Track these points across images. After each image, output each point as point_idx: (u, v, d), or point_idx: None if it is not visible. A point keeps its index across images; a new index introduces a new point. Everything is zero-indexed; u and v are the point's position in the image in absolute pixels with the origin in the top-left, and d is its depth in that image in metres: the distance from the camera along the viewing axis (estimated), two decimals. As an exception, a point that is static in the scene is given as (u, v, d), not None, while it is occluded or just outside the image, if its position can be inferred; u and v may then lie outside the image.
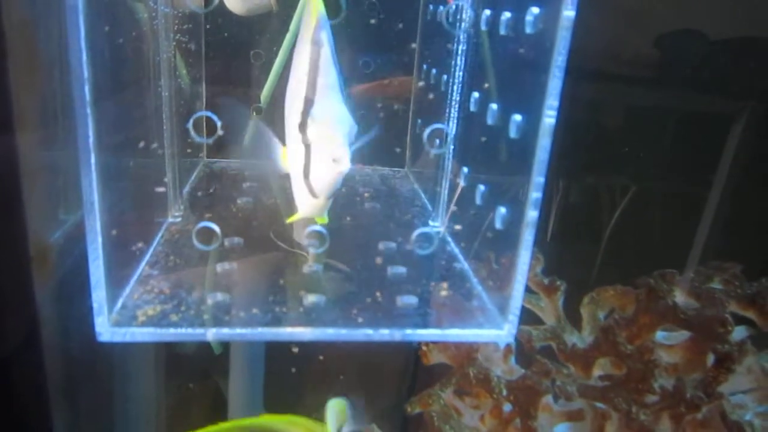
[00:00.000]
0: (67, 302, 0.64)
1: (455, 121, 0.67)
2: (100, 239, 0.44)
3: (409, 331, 0.48)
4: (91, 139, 0.41)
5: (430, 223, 0.71)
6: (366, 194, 0.78)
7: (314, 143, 0.48)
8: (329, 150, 0.47)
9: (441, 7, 0.72)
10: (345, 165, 0.47)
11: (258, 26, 0.85)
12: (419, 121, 0.83)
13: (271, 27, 0.85)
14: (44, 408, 0.74)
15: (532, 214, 0.47)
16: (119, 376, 0.92)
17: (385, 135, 0.88)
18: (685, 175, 1.14)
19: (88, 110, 0.41)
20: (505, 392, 0.81)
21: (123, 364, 0.92)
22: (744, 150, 1.09)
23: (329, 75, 0.49)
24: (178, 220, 0.66)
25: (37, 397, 0.73)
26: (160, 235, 0.62)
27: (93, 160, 0.42)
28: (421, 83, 0.82)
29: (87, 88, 0.41)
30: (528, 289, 0.91)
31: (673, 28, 1.05)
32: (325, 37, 0.50)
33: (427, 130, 0.53)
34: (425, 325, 0.49)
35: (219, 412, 1.03)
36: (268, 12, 0.82)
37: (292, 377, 1.04)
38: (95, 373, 0.85)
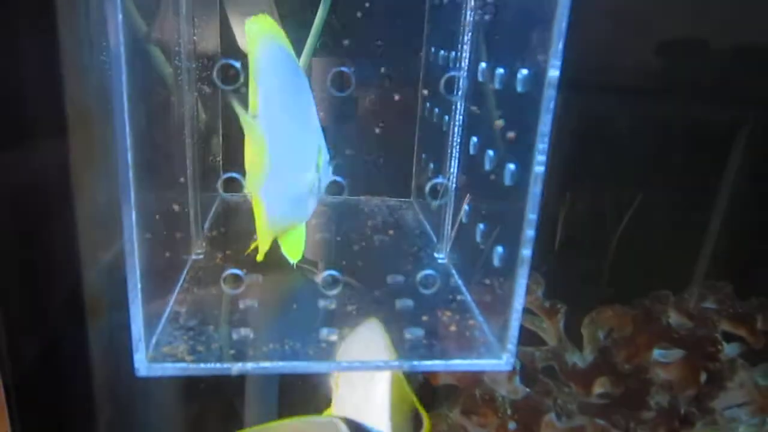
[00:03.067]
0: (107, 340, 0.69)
1: (456, 160, 0.72)
2: (138, 284, 0.49)
3: (415, 362, 0.53)
4: (132, 191, 0.47)
5: (435, 254, 0.75)
6: (374, 226, 0.83)
7: None
8: None
9: (442, 51, 0.78)
10: None
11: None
12: (423, 155, 0.88)
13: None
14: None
15: (525, 252, 0.52)
16: (138, 394, 0.97)
17: (392, 166, 0.93)
18: (688, 187, 1.17)
19: (129, 157, 0.46)
20: (510, 411, 0.85)
21: (142, 383, 0.96)
22: (748, 159, 1.11)
23: None
24: (201, 257, 0.71)
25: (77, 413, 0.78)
26: (185, 272, 0.67)
27: (133, 209, 0.47)
28: (424, 120, 0.87)
29: (128, 140, 0.45)
30: (530, 312, 0.95)
31: (675, 37, 1.08)
32: None
33: (428, 185, 0.58)
34: (430, 356, 0.54)
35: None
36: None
37: (304, 393, 1.08)
38: (118, 394, 0.89)
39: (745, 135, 1.12)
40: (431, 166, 0.82)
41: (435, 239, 0.79)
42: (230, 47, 0.82)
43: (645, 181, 1.17)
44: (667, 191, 1.18)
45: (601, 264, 1.20)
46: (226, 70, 0.57)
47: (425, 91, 0.86)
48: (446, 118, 0.74)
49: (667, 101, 1.12)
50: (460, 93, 0.69)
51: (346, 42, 0.85)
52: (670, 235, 1.20)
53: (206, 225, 0.79)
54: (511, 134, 0.53)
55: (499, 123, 0.55)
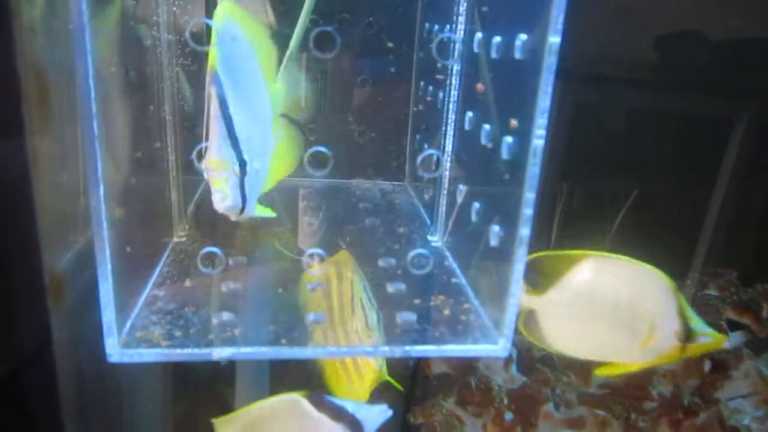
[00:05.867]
0: (78, 325, 0.66)
1: (451, 138, 0.69)
2: (108, 264, 0.45)
3: (408, 348, 0.50)
4: (99, 164, 0.43)
5: (429, 237, 0.72)
6: (366, 209, 0.80)
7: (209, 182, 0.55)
8: (214, 192, 0.55)
9: (436, 26, 0.74)
10: (227, 205, 0.54)
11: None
12: (417, 136, 0.85)
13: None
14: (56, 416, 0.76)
15: (524, 232, 0.49)
16: (126, 385, 0.94)
17: (385, 149, 0.90)
18: (686, 178, 1.15)
19: (95, 131, 0.43)
20: (506, 401, 0.82)
21: (130, 374, 0.94)
22: (745, 152, 1.10)
23: (219, 124, 0.53)
24: (184, 239, 0.68)
25: (50, 409, 0.75)
26: (165, 255, 0.64)
27: (101, 186, 0.44)
28: (418, 99, 0.84)
29: (95, 110, 0.42)
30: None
31: (673, 30, 1.06)
32: (215, 91, 0.53)
33: (420, 157, 0.54)
34: (424, 342, 0.51)
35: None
36: (268, 31, 0.84)
37: (296, 384, 1.06)
38: (103, 386, 0.87)
39: (751, 122, 1.10)
40: (425, 146, 0.78)
41: (429, 222, 0.76)
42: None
43: (648, 167, 1.16)
44: (670, 178, 1.16)
45: (602, 249, 1.18)
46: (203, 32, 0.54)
47: (420, 70, 0.83)
48: (441, 94, 0.71)
49: (667, 92, 1.10)
50: (455, 66, 0.65)
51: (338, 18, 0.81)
52: (672, 222, 1.18)
53: (190, 207, 0.76)
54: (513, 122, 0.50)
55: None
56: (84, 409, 0.80)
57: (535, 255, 0.58)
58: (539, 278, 0.58)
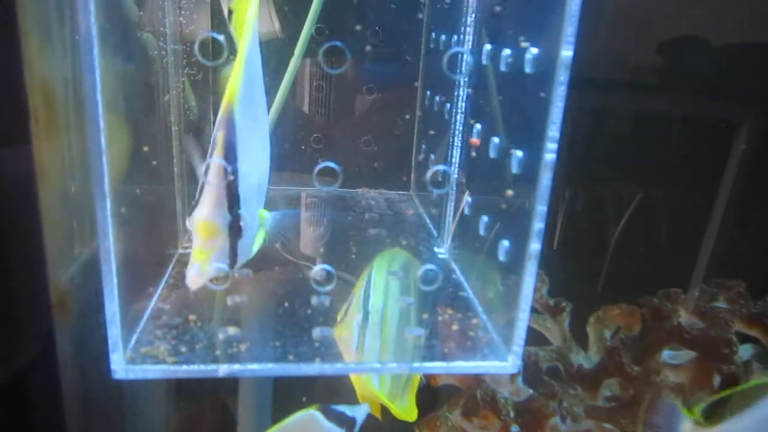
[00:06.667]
0: (82, 337, 0.65)
1: (459, 150, 0.68)
2: (114, 279, 0.45)
3: (416, 365, 0.49)
4: (106, 178, 0.43)
5: (435, 249, 0.72)
6: (371, 219, 0.80)
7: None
8: (191, 264, 0.48)
9: (443, 36, 0.74)
10: (199, 284, 0.47)
11: (264, 53, 0.86)
12: (423, 146, 0.84)
13: (277, 54, 0.87)
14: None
15: (534, 246, 0.48)
16: (129, 393, 0.93)
17: (391, 159, 0.90)
18: (690, 183, 1.14)
19: (102, 144, 0.42)
20: (512, 414, 0.82)
21: (133, 382, 0.93)
22: (753, 158, 1.09)
23: (218, 181, 0.46)
24: (189, 251, 0.67)
25: (53, 418, 0.75)
26: (171, 267, 0.63)
27: (108, 199, 0.43)
28: (425, 109, 0.83)
29: (102, 125, 0.42)
30: (534, 310, 0.92)
31: (676, 35, 1.06)
32: (223, 137, 0.45)
33: (429, 173, 0.54)
34: (431, 358, 0.50)
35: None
36: (273, 39, 0.84)
37: (299, 394, 1.05)
38: (106, 394, 0.86)
39: (759, 127, 1.09)
40: (432, 156, 0.78)
41: (435, 233, 0.75)
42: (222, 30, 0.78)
43: (651, 172, 1.15)
44: (675, 183, 1.16)
45: (606, 262, 1.17)
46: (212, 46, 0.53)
47: (426, 79, 0.83)
48: (448, 105, 0.70)
49: (672, 97, 1.10)
50: (463, 78, 0.65)
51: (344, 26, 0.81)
52: (679, 233, 1.18)
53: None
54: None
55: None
56: (87, 416, 0.79)
57: (724, 393, 0.57)
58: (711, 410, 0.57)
